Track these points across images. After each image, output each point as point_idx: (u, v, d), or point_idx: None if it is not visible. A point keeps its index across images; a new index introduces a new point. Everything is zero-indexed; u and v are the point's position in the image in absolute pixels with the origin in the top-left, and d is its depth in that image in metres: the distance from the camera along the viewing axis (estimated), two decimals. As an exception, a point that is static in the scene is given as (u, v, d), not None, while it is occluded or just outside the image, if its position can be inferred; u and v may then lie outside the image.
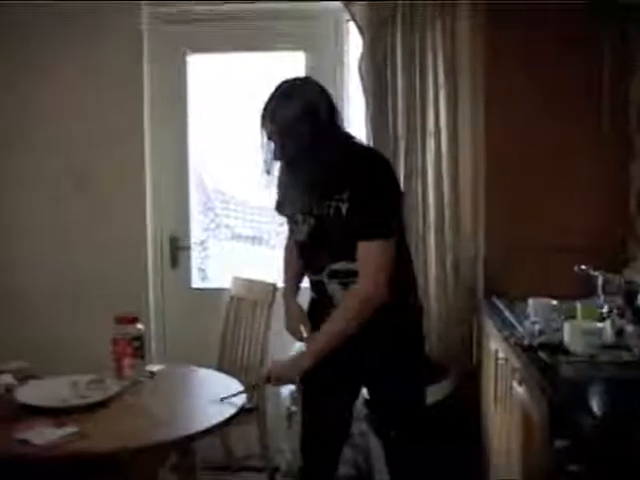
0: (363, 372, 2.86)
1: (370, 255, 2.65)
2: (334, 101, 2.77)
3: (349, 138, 2.80)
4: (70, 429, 2.60)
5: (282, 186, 2.87)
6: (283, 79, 2.80)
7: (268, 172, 2.78)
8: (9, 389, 2.95)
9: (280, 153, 2.71)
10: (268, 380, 2.85)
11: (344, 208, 2.68)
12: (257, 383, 3.06)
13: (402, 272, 2.78)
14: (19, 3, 4.06)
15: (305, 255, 2.90)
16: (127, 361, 3.10)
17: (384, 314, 2.68)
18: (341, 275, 2.76)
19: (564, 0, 3.44)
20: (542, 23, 3.51)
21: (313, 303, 2.96)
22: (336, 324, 2.71)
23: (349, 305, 2.70)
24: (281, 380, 2.88)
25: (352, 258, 2.70)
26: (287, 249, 3.08)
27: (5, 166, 4.29)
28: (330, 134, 2.70)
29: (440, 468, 3.01)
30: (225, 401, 2.90)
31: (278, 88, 2.77)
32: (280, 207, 2.97)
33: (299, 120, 2.65)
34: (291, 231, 2.96)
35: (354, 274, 2.70)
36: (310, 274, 2.92)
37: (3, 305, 4.23)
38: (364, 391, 3.01)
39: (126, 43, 4.18)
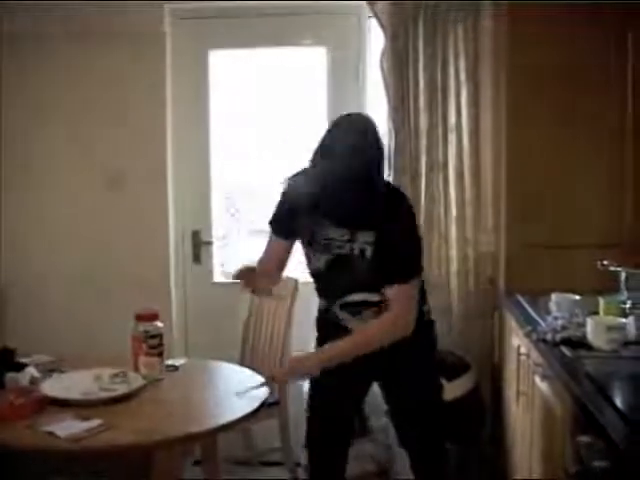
0: (374, 369, 2.89)
1: (406, 294, 2.70)
2: None
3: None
4: (94, 422, 2.63)
5: (300, 211, 2.77)
6: (341, 115, 2.75)
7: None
8: (33, 382, 2.97)
9: (329, 184, 2.60)
10: (286, 373, 2.87)
11: (369, 250, 2.69)
12: (273, 376, 3.06)
13: None
14: (47, 5, 4.09)
15: (319, 283, 2.91)
16: (142, 359, 3.11)
17: None
18: (355, 305, 2.80)
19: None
20: (566, 21, 3.49)
21: (321, 323, 2.99)
22: (366, 337, 2.74)
23: (384, 327, 2.73)
24: (298, 373, 2.90)
25: (370, 290, 2.75)
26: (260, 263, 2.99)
27: (39, 165, 4.32)
28: (381, 173, 2.70)
29: (461, 465, 3.03)
30: (243, 395, 2.91)
31: (345, 122, 2.71)
32: (285, 228, 2.90)
33: (365, 154, 2.59)
34: (307, 258, 2.90)
35: (369, 304, 2.76)
36: (322, 300, 2.95)
37: (28, 299, 4.27)
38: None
39: (148, 41, 4.19)
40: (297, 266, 4.09)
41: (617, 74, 3.51)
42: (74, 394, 2.88)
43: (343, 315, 2.85)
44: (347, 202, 2.59)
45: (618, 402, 2.09)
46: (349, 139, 2.59)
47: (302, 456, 3.77)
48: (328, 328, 2.90)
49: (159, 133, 4.27)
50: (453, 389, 3.47)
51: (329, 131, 2.68)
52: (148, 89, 4.24)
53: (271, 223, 2.94)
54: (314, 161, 2.67)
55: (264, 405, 2.97)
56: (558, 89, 3.56)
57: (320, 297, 2.96)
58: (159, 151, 4.28)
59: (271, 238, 2.96)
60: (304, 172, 2.78)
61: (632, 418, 1.96)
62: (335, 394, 2.93)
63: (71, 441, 2.52)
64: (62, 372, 3.14)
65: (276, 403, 3.74)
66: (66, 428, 2.58)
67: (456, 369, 3.61)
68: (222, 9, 4.26)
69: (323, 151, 2.64)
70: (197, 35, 4.33)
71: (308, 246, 2.85)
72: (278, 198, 2.90)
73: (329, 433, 2.99)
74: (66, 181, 4.32)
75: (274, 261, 2.96)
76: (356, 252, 2.70)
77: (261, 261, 2.98)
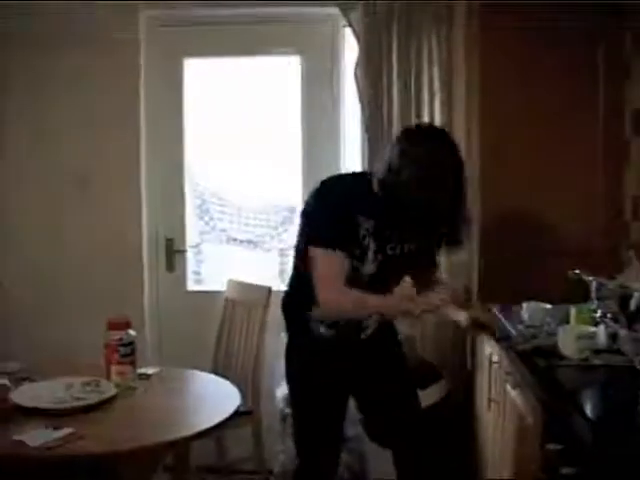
0: (352, 381, 2.93)
1: None
2: None
3: None
4: (65, 431, 2.61)
5: (373, 216, 2.74)
6: (426, 125, 2.94)
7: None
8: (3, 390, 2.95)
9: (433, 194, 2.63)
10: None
11: (412, 248, 2.84)
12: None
13: None
14: (21, 11, 4.07)
15: (364, 287, 2.80)
16: (114, 368, 3.10)
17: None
18: None
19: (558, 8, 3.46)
20: (536, 30, 3.53)
21: (341, 330, 2.91)
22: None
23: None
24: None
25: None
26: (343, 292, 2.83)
27: (8, 171, 4.28)
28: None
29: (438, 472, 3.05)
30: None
31: (440, 135, 2.80)
32: (343, 244, 2.76)
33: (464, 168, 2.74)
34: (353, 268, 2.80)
35: None
36: None
37: (-4, 306, 4.23)
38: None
39: (123, 47, 4.17)
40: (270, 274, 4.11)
41: (589, 81, 3.56)
42: (45, 402, 2.86)
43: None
44: (449, 212, 2.69)
45: (587, 410, 2.10)
46: (454, 153, 2.70)
47: (275, 464, 3.77)
48: (349, 332, 2.91)
49: (132, 141, 4.25)
50: (426, 397, 3.47)
51: (417, 142, 2.70)
52: (122, 96, 4.23)
53: (331, 239, 2.72)
54: (397, 170, 2.64)
55: (237, 413, 2.97)
56: (531, 98, 3.60)
57: None
58: (132, 158, 4.27)
59: (330, 254, 2.71)
60: (361, 180, 2.80)
61: (600, 426, 1.98)
62: (320, 402, 2.94)
63: (41, 450, 2.50)
64: (33, 380, 3.12)
65: (249, 412, 3.73)
66: (36, 437, 2.56)
67: (429, 377, 3.62)
68: (197, 17, 4.25)
69: (417, 161, 2.63)
70: (172, 43, 4.32)
71: (358, 259, 2.79)
72: (323, 212, 2.76)
73: (322, 436, 2.99)
74: (37, 189, 4.29)
75: (343, 276, 2.77)
76: (405, 251, 2.82)
77: (338, 280, 2.75)
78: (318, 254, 2.71)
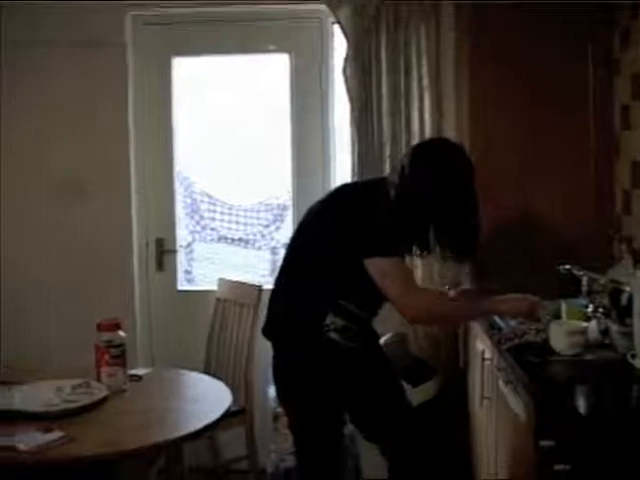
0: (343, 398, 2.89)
1: None
2: None
3: None
4: (56, 434, 2.60)
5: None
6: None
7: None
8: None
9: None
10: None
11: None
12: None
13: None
14: (6, 13, 4.06)
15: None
16: (105, 369, 3.08)
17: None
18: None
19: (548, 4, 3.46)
20: (526, 25, 3.53)
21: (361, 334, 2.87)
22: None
23: None
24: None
25: None
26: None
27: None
28: None
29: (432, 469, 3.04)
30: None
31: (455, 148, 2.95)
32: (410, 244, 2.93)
33: None
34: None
35: None
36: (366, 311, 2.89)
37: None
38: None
39: (110, 48, 4.16)
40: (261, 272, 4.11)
41: (579, 75, 3.57)
42: (36, 406, 2.84)
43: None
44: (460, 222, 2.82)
45: (580, 406, 2.10)
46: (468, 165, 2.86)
47: (267, 464, 3.76)
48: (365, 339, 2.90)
49: (122, 140, 4.24)
50: (419, 394, 3.48)
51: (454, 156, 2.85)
52: (111, 96, 4.21)
53: (400, 246, 2.80)
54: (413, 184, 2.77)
55: (228, 413, 2.96)
56: (521, 93, 3.60)
57: (365, 308, 2.88)
58: (122, 158, 4.25)
59: (399, 261, 2.79)
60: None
61: (593, 421, 1.98)
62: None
63: (32, 454, 2.48)
64: (22, 384, 3.09)
65: (242, 411, 3.73)
66: (27, 440, 2.55)
67: (422, 374, 3.62)
68: (185, 16, 4.23)
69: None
70: (160, 42, 4.30)
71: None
72: (387, 220, 2.75)
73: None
74: (27, 189, 4.26)
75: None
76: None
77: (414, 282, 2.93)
78: (387, 263, 2.71)
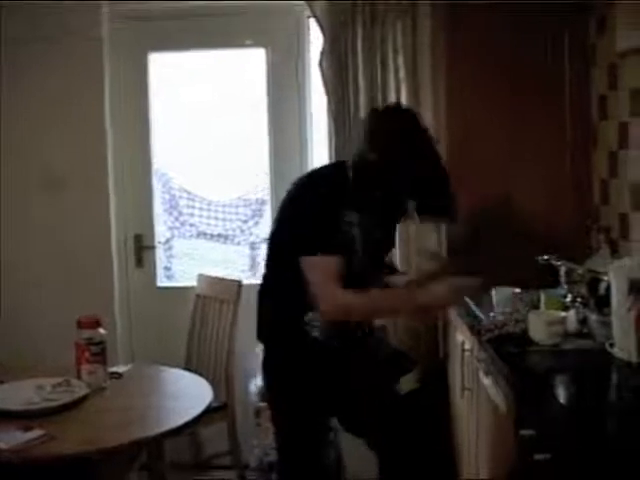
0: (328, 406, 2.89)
1: None
2: None
3: None
4: (37, 432, 2.59)
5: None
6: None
7: None
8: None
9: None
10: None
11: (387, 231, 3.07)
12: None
13: None
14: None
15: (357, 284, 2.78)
16: (85, 367, 3.07)
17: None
18: None
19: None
20: (502, 16, 3.53)
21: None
22: None
23: None
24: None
25: None
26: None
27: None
28: None
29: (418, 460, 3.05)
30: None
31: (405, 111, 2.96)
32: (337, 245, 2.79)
33: None
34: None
35: None
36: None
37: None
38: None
39: (86, 43, 4.13)
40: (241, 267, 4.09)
41: (555, 67, 3.57)
42: (16, 405, 2.83)
43: None
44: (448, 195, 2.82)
45: (559, 396, 2.11)
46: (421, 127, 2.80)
47: (251, 459, 3.76)
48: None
49: (99, 136, 4.22)
50: (402, 385, 3.48)
51: (384, 120, 2.80)
52: (87, 91, 4.19)
53: (326, 245, 2.69)
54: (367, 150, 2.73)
55: (210, 409, 2.96)
56: (497, 84, 3.61)
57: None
58: (99, 155, 4.23)
59: (326, 258, 2.69)
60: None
61: (572, 410, 1.99)
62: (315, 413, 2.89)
63: (12, 452, 2.47)
64: (2, 382, 3.08)
65: (223, 406, 3.72)
66: (8, 439, 2.54)
67: (403, 366, 3.62)
68: (160, 11, 4.22)
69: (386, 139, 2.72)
70: (136, 38, 4.28)
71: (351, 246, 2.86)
72: (310, 218, 2.73)
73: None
74: (4, 186, 4.22)
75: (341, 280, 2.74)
76: (384, 235, 2.96)
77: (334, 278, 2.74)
78: (312, 261, 2.65)
